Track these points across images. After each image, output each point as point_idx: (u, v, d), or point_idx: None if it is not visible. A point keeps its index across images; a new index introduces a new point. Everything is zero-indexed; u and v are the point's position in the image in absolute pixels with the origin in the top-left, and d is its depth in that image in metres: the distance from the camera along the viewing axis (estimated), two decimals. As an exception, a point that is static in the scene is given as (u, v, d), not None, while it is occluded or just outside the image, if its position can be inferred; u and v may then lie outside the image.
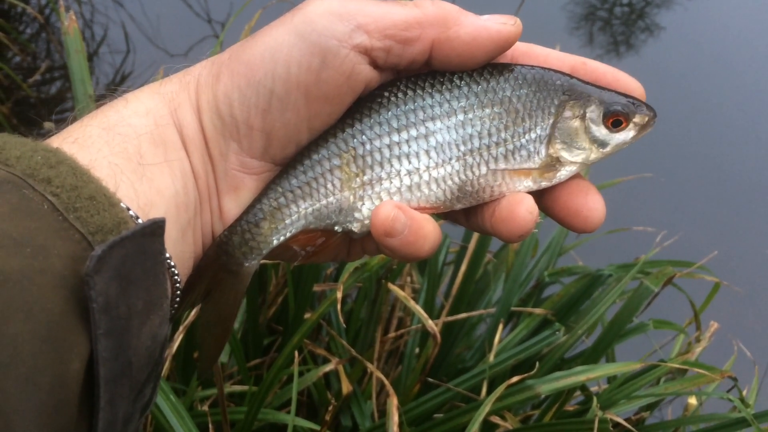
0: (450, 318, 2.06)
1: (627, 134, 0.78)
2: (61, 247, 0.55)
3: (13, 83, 3.67)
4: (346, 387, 1.78)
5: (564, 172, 0.77)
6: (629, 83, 0.78)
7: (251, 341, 2.01)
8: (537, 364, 1.86)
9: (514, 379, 1.67)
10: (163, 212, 0.67)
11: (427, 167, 0.76)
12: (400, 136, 0.76)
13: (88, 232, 0.57)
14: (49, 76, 4.00)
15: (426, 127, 0.76)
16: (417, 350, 2.13)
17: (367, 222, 0.76)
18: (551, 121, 0.77)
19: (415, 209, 0.75)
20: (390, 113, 0.76)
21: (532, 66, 0.78)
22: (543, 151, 0.77)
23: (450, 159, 0.76)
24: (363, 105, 0.76)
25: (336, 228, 0.77)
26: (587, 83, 0.77)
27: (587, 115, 0.77)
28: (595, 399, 1.75)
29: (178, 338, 1.62)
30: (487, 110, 0.76)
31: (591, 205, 0.75)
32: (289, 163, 0.76)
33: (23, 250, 0.53)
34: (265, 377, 1.67)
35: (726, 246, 3.30)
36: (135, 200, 0.65)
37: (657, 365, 1.91)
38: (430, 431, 1.81)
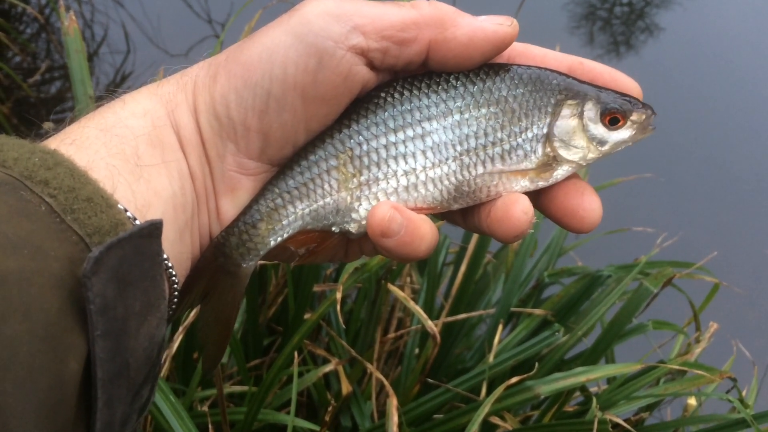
0: (450, 318, 2.06)
1: (625, 133, 0.78)
2: (58, 248, 0.55)
3: (13, 83, 3.67)
4: (345, 387, 1.78)
5: (561, 172, 0.77)
6: (626, 83, 0.78)
7: (251, 341, 2.01)
8: (536, 364, 1.87)
9: (514, 379, 1.67)
10: (160, 213, 0.67)
11: (424, 167, 0.76)
12: (396, 136, 0.76)
13: (86, 233, 0.57)
14: (49, 76, 4.00)
15: (422, 128, 0.76)
16: (417, 351, 2.13)
17: (364, 222, 0.76)
18: (548, 120, 0.77)
19: (412, 210, 0.75)
20: (386, 114, 0.76)
21: (528, 66, 0.78)
22: (540, 150, 0.77)
23: (446, 159, 0.76)
24: (360, 106, 0.76)
25: (333, 229, 0.77)
26: (584, 82, 0.77)
27: (585, 113, 0.77)
28: (594, 400, 1.75)
29: (178, 339, 1.62)
30: (483, 110, 0.76)
31: (587, 205, 0.75)
32: (286, 164, 0.76)
33: (21, 251, 0.53)
34: (264, 378, 1.67)
35: (725, 247, 3.30)
36: (132, 201, 0.65)
37: (656, 366, 1.91)
38: (429, 431, 1.81)
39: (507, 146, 0.76)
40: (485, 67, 0.77)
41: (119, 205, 0.61)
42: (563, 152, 0.77)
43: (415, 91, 0.76)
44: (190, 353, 1.87)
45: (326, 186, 0.76)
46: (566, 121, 0.77)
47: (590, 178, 2.52)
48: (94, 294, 0.53)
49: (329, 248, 0.79)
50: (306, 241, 0.78)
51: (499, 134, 0.76)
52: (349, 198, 0.76)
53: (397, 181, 0.76)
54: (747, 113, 4.74)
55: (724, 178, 4.25)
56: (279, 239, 0.77)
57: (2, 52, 3.87)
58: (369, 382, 1.97)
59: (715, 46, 5.27)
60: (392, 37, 0.71)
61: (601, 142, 0.78)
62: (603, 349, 2.03)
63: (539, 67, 0.78)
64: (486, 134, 0.76)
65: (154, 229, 0.59)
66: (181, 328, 1.63)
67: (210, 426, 1.66)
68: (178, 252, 0.70)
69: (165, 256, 0.66)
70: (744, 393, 2.16)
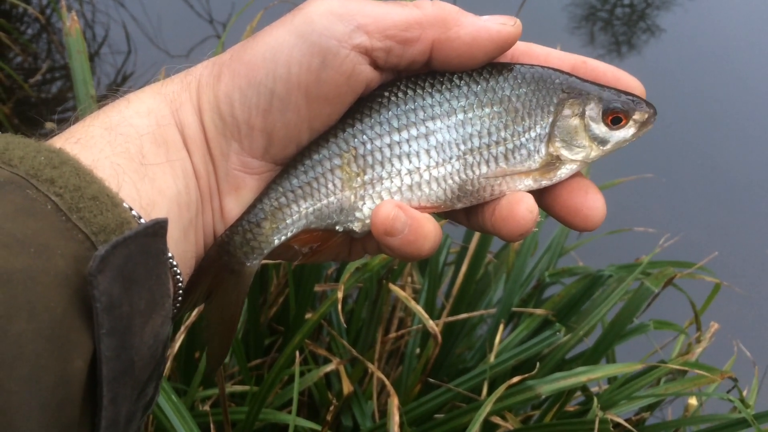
0: (451, 318, 2.06)
1: (627, 131, 0.78)
2: (64, 246, 0.56)
3: (15, 83, 3.68)
4: (347, 387, 1.78)
5: (564, 171, 0.77)
6: (630, 82, 0.78)
7: (252, 341, 2.01)
8: (537, 364, 1.87)
9: (515, 379, 1.68)
10: (165, 212, 0.68)
11: (428, 166, 0.76)
12: (400, 135, 0.76)
13: (92, 232, 0.58)
14: (50, 77, 4.00)
15: (426, 127, 0.76)
16: (418, 350, 2.13)
17: (368, 221, 0.76)
18: (551, 119, 0.77)
19: (416, 208, 0.76)
20: (390, 113, 0.76)
21: (531, 65, 0.78)
22: (543, 150, 0.77)
23: (450, 158, 0.76)
24: (363, 105, 0.76)
25: (337, 228, 0.78)
26: (587, 81, 0.77)
27: (587, 113, 0.77)
28: (595, 399, 1.75)
29: (180, 338, 1.62)
30: (487, 109, 0.76)
31: (591, 203, 0.76)
32: (290, 163, 0.76)
33: (27, 249, 0.53)
34: (266, 377, 1.68)
35: (726, 247, 3.30)
36: (137, 200, 0.65)
37: (657, 366, 1.91)
38: (430, 431, 1.81)
39: (510, 145, 0.77)
40: (489, 67, 0.77)
41: (124, 204, 0.62)
42: (565, 152, 0.77)
43: (419, 91, 0.76)
44: (191, 353, 1.87)
45: (330, 185, 0.76)
46: (568, 120, 0.77)
47: (591, 178, 2.51)
48: (100, 292, 0.54)
49: (333, 247, 0.80)
50: (310, 240, 0.78)
51: (502, 133, 0.76)
52: (352, 197, 0.76)
53: (401, 180, 0.76)
54: (747, 114, 4.74)
55: (724, 179, 4.25)
56: (283, 238, 0.77)
57: (3, 53, 3.87)
58: (370, 382, 1.97)
59: (716, 47, 5.27)
60: (396, 36, 0.71)
61: (603, 142, 0.78)
62: (604, 349, 2.03)
63: (542, 67, 0.78)
64: (489, 133, 0.76)
65: (159, 227, 0.60)
66: (183, 328, 1.63)
67: (212, 425, 1.66)
68: (182, 251, 0.71)
69: (170, 254, 0.66)
70: (745, 393, 2.16)
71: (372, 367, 1.81)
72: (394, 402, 1.64)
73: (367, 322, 2.02)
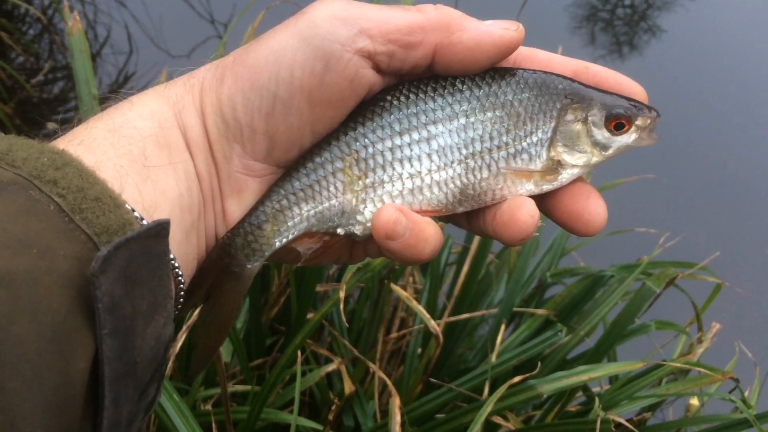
0: (452, 318, 2.07)
1: (629, 137, 0.78)
2: (67, 247, 0.56)
3: (17, 83, 3.68)
4: (348, 387, 1.78)
5: (566, 176, 0.77)
6: (632, 87, 0.78)
7: (254, 341, 2.01)
8: (539, 364, 1.87)
9: (516, 379, 1.68)
10: (167, 214, 0.68)
11: (429, 170, 0.76)
12: (402, 139, 0.76)
13: (94, 233, 0.58)
14: (51, 77, 4.01)
15: (428, 131, 0.76)
16: (419, 350, 2.13)
17: (369, 225, 0.76)
18: (553, 124, 0.77)
19: (417, 212, 0.76)
20: (392, 117, 0.76)
21: (534, 70, 0.78)
22: (544, 155, 0.77)
23: (452, 162, 0.76)
24: (366, 108, 0.76)
25: (338, 231, 0.78)
26: (589, 87, 0.77)
27: (589, 118, 0.77)
28: (597, 399, 1.75)
29: (181, 338, 1.62)
30: (489, 114, 0.76)
31: (592, 209, 0.76)
32: (292, 166, 0.76)
33: (29, 250, 0.54)
34: (267, 377, 1.68)
35: (728, 247, 3.30)
36: (140, 202, 0.65)
37: (659, 366, 1.91)
38: (432, 431, 1.81)
39: (512, 150, 0.77)
40: (491, 71, 0.77)
41: (127, 206, 0.62)
42: (567, 157, 0.77)
43: (421, 95, 0.76)
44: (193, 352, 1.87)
45: (332, 188, 0.76)
46: (570, 126, 0.77)
47: (593, 178, 2.52)
48: (102, 293, 0.54)
49: (334, 250, 0.80)
50: (311, 243, 0.78)
51: (504, 138, 0.76)
52: (354, 200, 0.76)
53: (403, 184, 0.76)
54: (749, 114, 4.73)
55: (726, 179, 4.25)
56: (284, 240, 0.77)
57: (5, 53, 3.87)
58: (372, 382, 1.97)
59: (717, 47, 5.26)
60: (398, 40, 0.71)
61: (605, 147, 0.78)
62: (606, 349, 2.04)
63: (545, 72, 0.78)
64: (491, 138, 0.76)
65: (161, 228, 0.60)
66: (184, 327, 1.63)
67: (213, 425, 1.66)
68: (184, 252, 0.71)
69: (172, 256, 0.66)
70: (746, 393, 2.16)
71: (373, 367, 1.81)
72: (396, 402, 1.65)
73: (369, 322, 2.02)
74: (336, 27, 0.70)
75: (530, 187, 0.77)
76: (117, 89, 0.76)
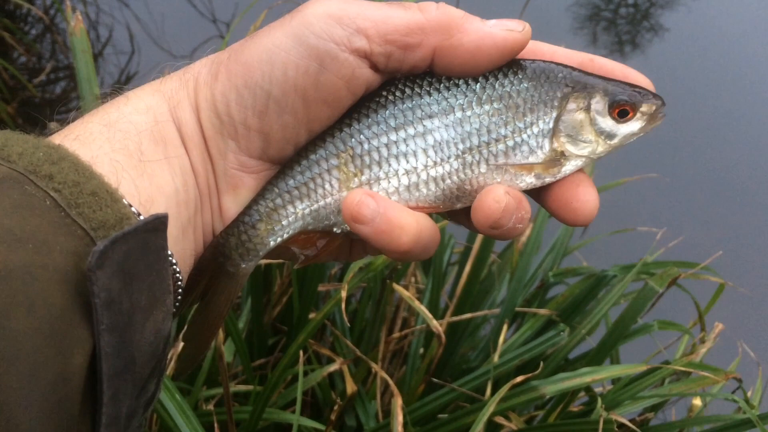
0: (454, 318, 2.06)
1: (635, 125, 0.76)
2: (63, 242, 0.55)
3: (19, 83, 3.68)
4: (350, 387, 1.78)
5: (569, 167, 0.75)
6: (638, 79, 0.76)
7: (256, 341, 2.01)
8: (541, 364, 1.86)
9: (519, 379, 1.67)
10: (163, 209, 0.67)
11: (426, 166, 0.75)
12: (397, 134, 0.75)
13: (91, 227, 0.57)
14: (54, 77, 4.01)
15: (423, 126, 0.75)
16: (421, 350, 2.13)
17: None
18: (555, 114, 0.75)
19: (414, 209, 0.74)
20: (387, 112, 0.75)
21: (533, 59, 0.76)
22: (546, 146, 0.75)
23: (448, 157, 0.75)
24: (361, 104, 0.75)
25: (335, 229, 0.76)
26: (591, 74, 0.75)
27: (592, 106, 0.75)
28: (599, 400, 1.75)
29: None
30: (486, 107, 0.75)
31: (582, 196, 0.74)
32: (286, 164, 0.75)
33: (26, 245, 0.53)
34: (269, 377, 1.67)
35: (731, 246, 3.30)
36: (136, 196, 0.65)
37: (661, 366, 1.91)
38: (434, 431, 1.81)
39: (511, 143, 0.75)
40: None
41: (124, 200, 0.61)
42: (571, 147, 0.75)
43: (417, 89, 0.75)
44: (195, 352, 1.86)
45: (327, 185, 0.75)
46: (573, 115, 0.75)
47: (595, 177, 2.51)
48: (99, 288, 0.53)
49: (332, 248, 0.78)
50: (307, 242, 0.77)
51: (502, 131, 0.75)
52: None
53: (399, 180, 0.75)
54: (752, 113, 4.73)
55: (729, 178, 4.25)
56: (279, 240, 0.76)
57: (7, 53, 3.87)
58: (374, 382, 1.97)
59: (720, 46, 5.26)
60: (396, 41, 0.70)
61: (610, 136, 0.75)
62: (608, 350, 2.03)
63: (544, 61, 0.76)
64: (489, 131, 0.75)
65: (159, 223, 0.59)
66: (186, 326, 1.63)
67: (216, 425, 1.66)
68: (180, 248, 0.70)
69: (169, 251, 0.66)
70: (749, 394, 2.16)
71: (375, 367, 1.81)
72: (398, 402, 1.64)
73: (371, 322, 2.02)
74: (331, 26, 0.69)
75: (531, 180, 0.75)
76: (119, 87, 0.76)
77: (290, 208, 0.75)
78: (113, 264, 0.54)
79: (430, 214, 0.75)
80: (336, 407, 1.70)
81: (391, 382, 1.72)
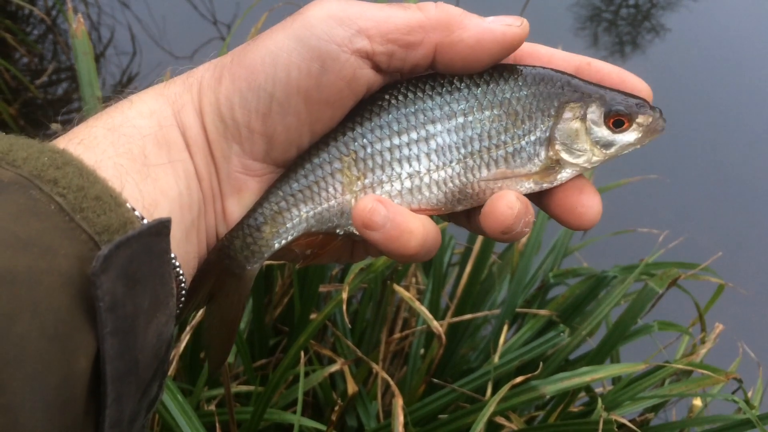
0: (455, 319, 2.07)
1: (630, 135, 0.76)
2: (68, 247, 0.56)
3: (20, 84, 3.69)
4: (351, 387, 1.78)
5: (565, 174, 0.76)
6: (636, 84, 0.77)
7: (257, 342, 2.01)
8: (541, 364, 1.87)
9: (519, 379, 1.67)
10: (167, 213, 0.68)
11: (428, 170, 0.75)
12: (400, 139, 0.75)
13: (95, 232, 0.58)
14: (55, 78, 4.01)
15: (426, 130, 0.75)
16: (422, 351, 2.13)
17: None
18: (551, 122, 0.76)
19: (416, 211, 0.75)
20: (390, 116, 0.75)
21: (533, 66, 0.77)
22: (543, 154, 0.75)
23: (450, 162, 0.76)
24: (364, 108, 0.75)
25: (338, 231, 0.77)
26: (590, 83, 0.76)
27: (588, 115, 0.75)
28: (600, 400, 1.75)
29: (185, 339, 1.63)
30: (487, 113, 0.75)
31: (585, 201, 0.75)
32: (290, 167, 0.76)
33: (30, 250, 0.54)
34: (270, 377, 1.68)
35: (731, 247, 3.30)
36: (140, 200, 0.65)
37: (662, 366, 1.91)
38: (434, 431, 1.81)
39: (510, 149, 0.75)
40: (490, 69, 0.76)
41: (127, 204, 0.62)
42: (566, 155, 0.76)
43: (419, 93, 0.76)
44: (197, 353, 1.87)
45: (330, 189, 0.76)
46: (569, 123, 0.75)
47: (596, 178, 2.52)
48: (103, 292, 0.54)
49: (334, 250, 0.79)
50: (310, 244, 0.78)
51: (503, 137, 0.75)
52: (353, 201, 0.76)
53: (402, 184, 0.76)
54: (752, 114, 4.73)
55: (729, 179, 4.25)
56: (283, 242, 0.77)
57: (9, 54, 3.88)
58: (375, 382, 1.97)
59: (721, 47, 5.26)
60: (398, 40, 0.71)
61: (606, 145, 0.76)
62: (608, 350, 2.03)
63: (544, 68, 0.77)
64: (490, 137, 0.75)
65: (162, 227, 0.60)
66: (188, 328, 1.63)
67: (217, 425, 1.66)
68: (184, 252, 0.71)
69: (172, 255, 0.66)
70: (749, 394, 2.16)
71: (376, 368, 1.81)
72: (399, 402, 1.65)
73: (372, 323, 2.02)
74: (332, 27, 0.69)
75: (530, 185, 0.76)
76: (120, 90, 0.76)
77: (294, 211, 0.76)
78: (117, 268, 0.55)
79: (431, 216, 0.76)
80: (337, 408, 1.70)
81: (392, 382, 1.73)
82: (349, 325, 2.06)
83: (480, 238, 2.09)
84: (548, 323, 2.13)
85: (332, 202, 0.76)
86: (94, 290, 0.54)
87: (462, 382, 1.86)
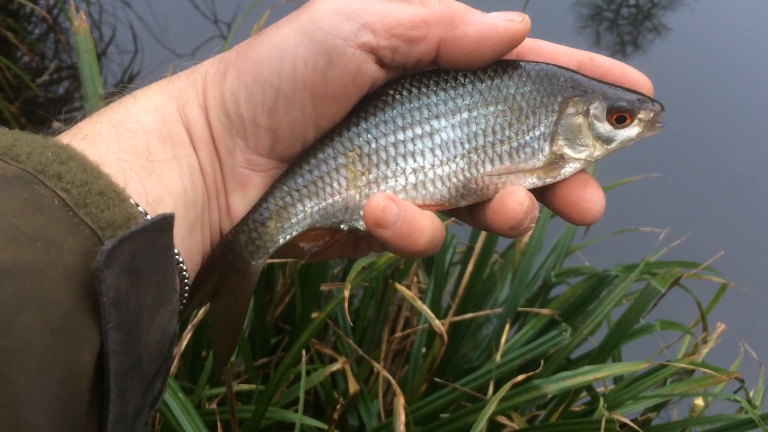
0: (457, 318, 2.07)
1: (632, 131, 0.77)
2: (71, 241, 0.56)
3: (22, 83, 3.69)
4: (353, 386, 1.78)
5: (568, 169, 0.77)
6: (637, 78, 0.78)
7: (258, 340, 2.02)
8: (542, 362, 1.86)
9: (520, 378, 1.67)
10: (171, 208, 0.68)
11: (432, 165, 0.76)
12: (405, 134, 0.76)
13: (99, 227, 0.58)
14: (57, 76, 4.01)
15: (431, 125, 0.76)
16: (424, 350, 2.13)
17: None
18: (554, 118, 0.76)
19: (420, 207, 0.75)
20: (395, 111, 0.76)
21: (536, 62, 0.77)
22: (546, 149, 0.76)
23: (455, 157, 0.76)
24: (368, 103, 0.76)
25: (342, 226, 0.77)
26: (592, 79, 0.77)
27: (591, 111, 0.76)
28: (601, 399, 1.75)
29: (187, 337, 1.63)
30: (491, 108, 0.76)
31: (589, 197, 0.75)
32: (295, 162, 0.76)
33: (34, 244, 0.54)
34: (272, 376, 1.68)
35: (733, 246, 3.29)
36: (144, 196, 0.65)
37: (664, 366, 1.91)
38: (436, 431, 1.81)
39: (515, 144, 0.76)
40: (493, 64, 0.76)
41: (131, 200, 0.62)
42: (569, 150, 0.76)
43: (424, 89, 0.76)
44: (198, 351, 1.87)
45: (335, 184, 0.76)
46: (572, 119, 0.76)
47: (597, 177, 2.50)
48: (107, 287, 0.54)
49: (338, 245, 0.79)
50: (315, 239, 0.78)
51: (506, 132, 0.76)
52: (357, 196, 0.76)
53: (406, 179, 0.76)
54: (754, 113, 4.73)
55: (731, 178, 4.24)
56: (288, 237, 0.77)
57: (11, 52, 3.88)
58: (376, 381, 1.97)
59: (722, 46, 5.26)
60: (402, 35, 0.71)
61: (608, 141, 0.77)
62: (610, 349, 2.03)
63: (548, 64, 0.77)
64: (494, 132, 0.76)
65: (166, 222, 0.60)
66: (189, 326, 1.63)
67: (219, 424, 1.66)
68: (188, 247, 0.71)
69: (176, 250, 0.66)
70: (751, 393, 2.15)
71: (378, 367, 1.81)
72: (400, 401, 1.65)
73: (373, 322, 2.02)
74: (339, 21, 0.70)
75: (533, 180, 0.77)
76: (123, 86, 0.76)
77: (299, 206, 0.76)
78: (121, 263, 0.55)
79: (436, 212, 0.76)
80: (338, 406, 1.70)
81: (393, 381, 1.73)
82: (351, 324, 2.06)
83: (482, 237, 2.09)
84: (550, 322, 2.13)
85: (337, 198, 0.76)
86: (98, 285, 0.54)
87: (463, 381, 1.85)
